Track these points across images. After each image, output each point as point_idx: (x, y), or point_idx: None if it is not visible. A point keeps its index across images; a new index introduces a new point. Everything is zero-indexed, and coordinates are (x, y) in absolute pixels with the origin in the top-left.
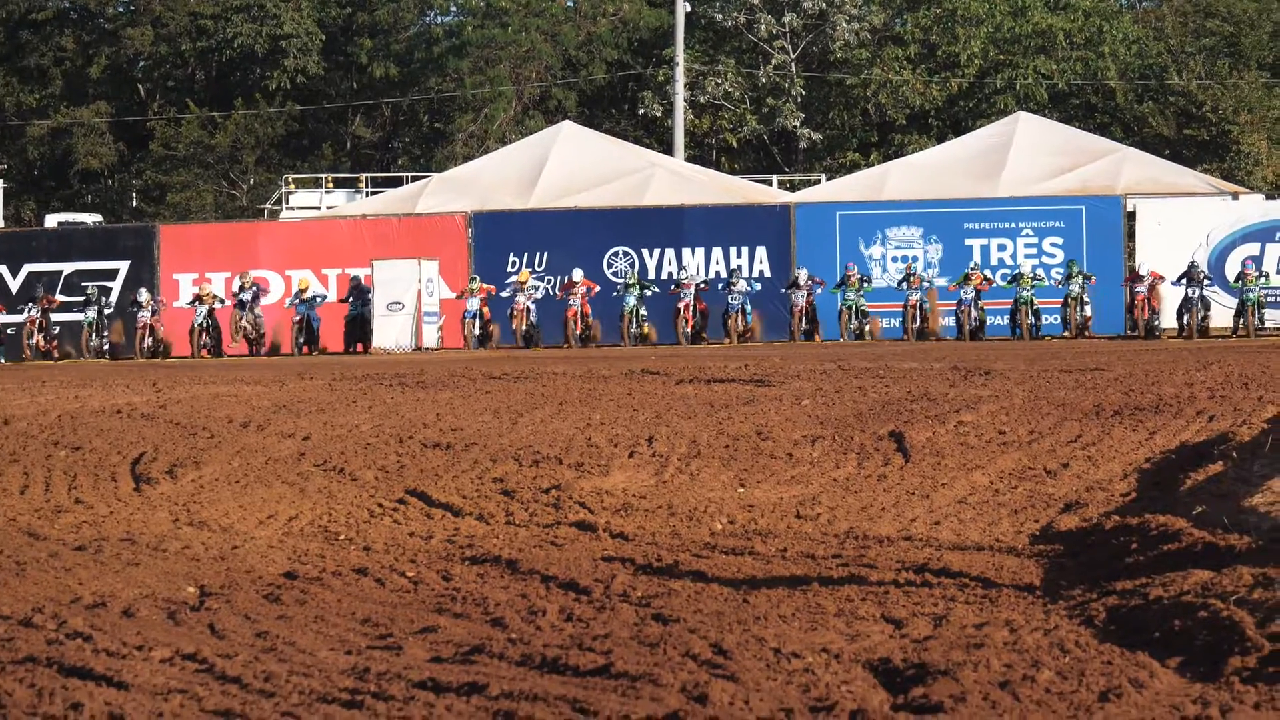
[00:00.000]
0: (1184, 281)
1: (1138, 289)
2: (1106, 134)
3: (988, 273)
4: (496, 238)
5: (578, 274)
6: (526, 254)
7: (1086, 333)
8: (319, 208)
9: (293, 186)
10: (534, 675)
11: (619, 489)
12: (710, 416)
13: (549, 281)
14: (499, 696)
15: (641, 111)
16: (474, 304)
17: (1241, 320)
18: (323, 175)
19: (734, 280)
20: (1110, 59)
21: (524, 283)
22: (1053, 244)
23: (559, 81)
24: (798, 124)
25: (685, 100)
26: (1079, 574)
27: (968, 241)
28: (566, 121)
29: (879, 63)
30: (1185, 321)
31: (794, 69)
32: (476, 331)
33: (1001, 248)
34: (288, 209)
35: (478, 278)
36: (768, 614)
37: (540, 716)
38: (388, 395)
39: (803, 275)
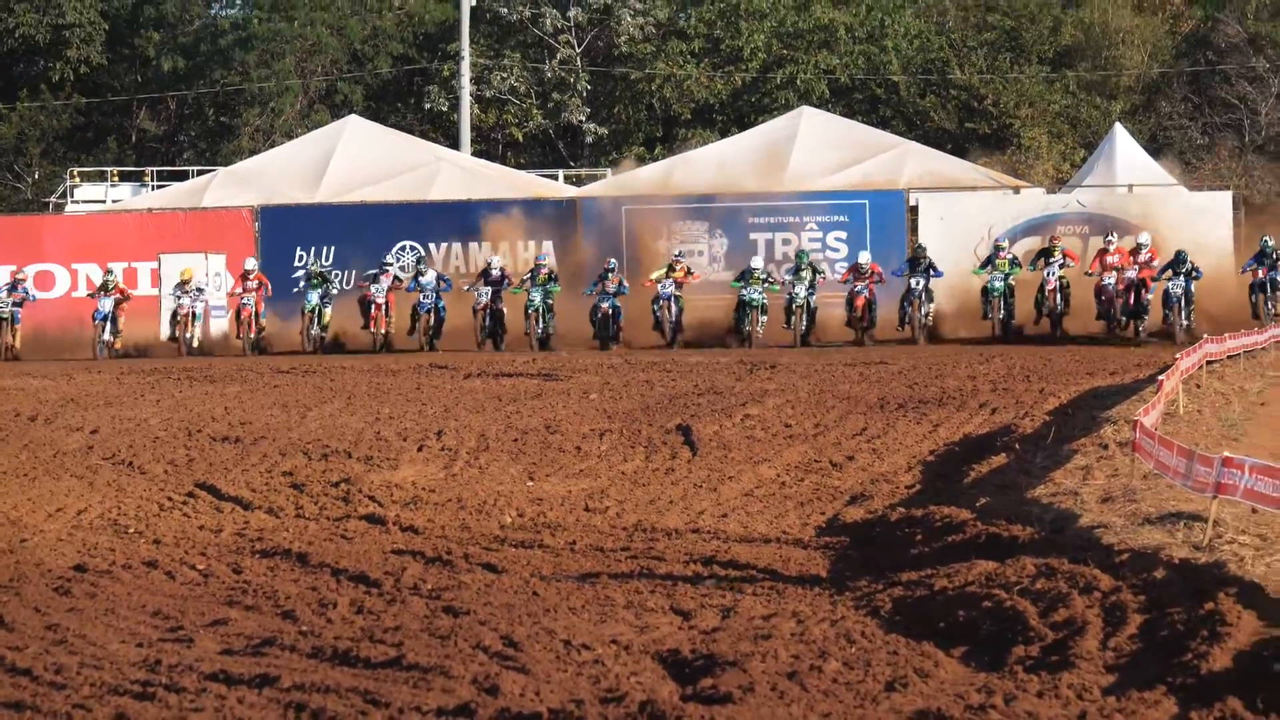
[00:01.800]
0: (906, 270)
1: (857, 287)
2: (889, 128)
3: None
4: (283, 232)
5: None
6: (314, 248)
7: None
8: (104, 201)
9: (78, 180)
10: (325, 667)
11: (408, 482)
12: (499, 410)
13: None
14: (291, 688)
15: (428, 106)
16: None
17: (987, 310)
18: (108, 169)
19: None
20: (893, 53)
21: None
22: (836, 238)
23: (345, 75)
24: (583, 119)
25: (471, 95)
26: (865, 565)
27: (752, 235)
28: (353, 116)
29: (663, 57)
30: (906, 314)
31: (579, 63)
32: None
33: (786, 242)
34: (73, 202)
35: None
36: (557, 606)
37: (332, 708)
38: (175, 389)
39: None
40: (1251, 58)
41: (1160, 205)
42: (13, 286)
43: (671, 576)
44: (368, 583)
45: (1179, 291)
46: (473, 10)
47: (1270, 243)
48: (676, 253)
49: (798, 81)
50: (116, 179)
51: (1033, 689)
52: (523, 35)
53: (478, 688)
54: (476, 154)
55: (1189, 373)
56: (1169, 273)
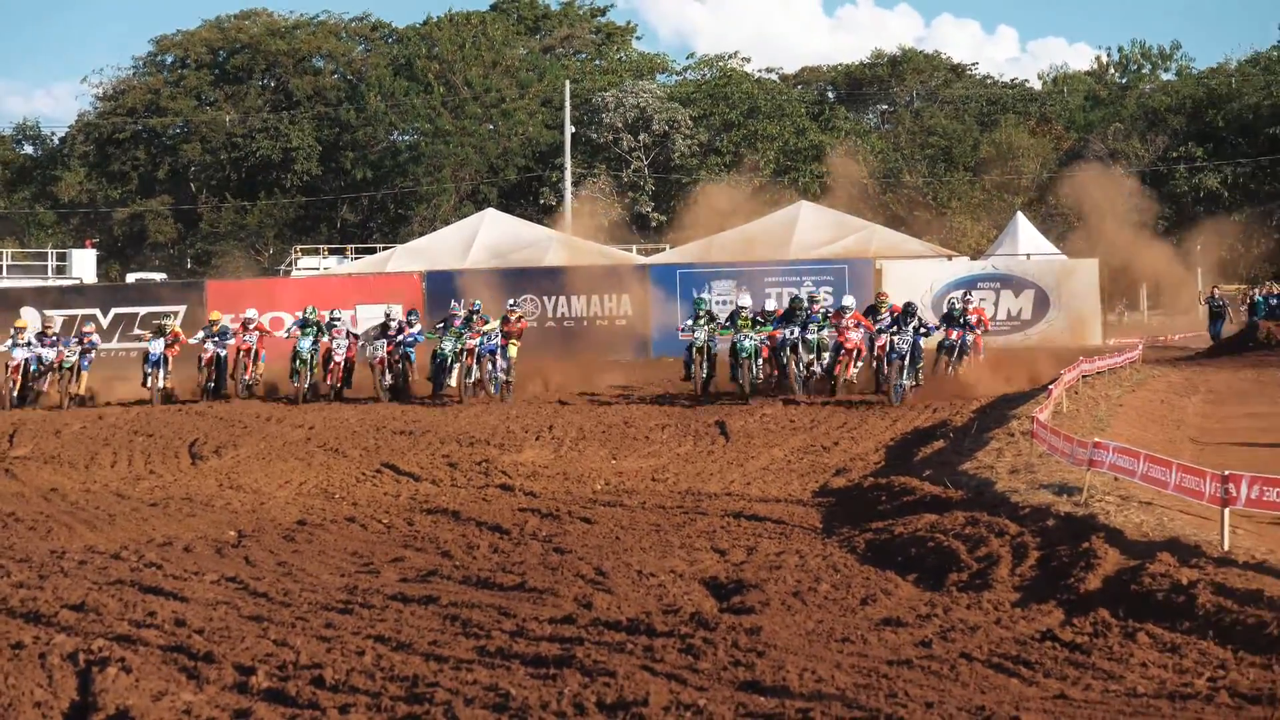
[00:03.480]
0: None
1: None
2: (862, 215)
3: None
4: (442, 289)
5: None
6: (463, 299)
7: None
8: (318, 268)
9: (299, 254)
10: (472, 590)
11: (529, 462)
12: (591, 412)
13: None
14: (448, 605)
15: (541, 201)
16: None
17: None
18: (320, 246)
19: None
20: (862, 163)
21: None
22: (825, 291)
23: (484, 181)
24: (649, 209)
25: (571, 193)
26: (846, 517)
27: (767, 289)
28: (490, 209)
29: (705, 167)
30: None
31: (646, 171)
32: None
33: (791, 294)
34: (297, 269)
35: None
36: (632, 547)
37: (476, 619)
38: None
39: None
40: (1110, 165)
41: (1047, 268)
42: (80, 339)
43: (712, 526)
44: (501, 531)
45: (905, 347)
46: (573, 136)
47: (959, 306)
48: (510, 303)
49: (799, 183)
50: (326, 254)
51: (963, 603)
52: (607, 152)
53: (577, 603)
54: (575, 234)
55: (1071, 384)
56: (895, 328)
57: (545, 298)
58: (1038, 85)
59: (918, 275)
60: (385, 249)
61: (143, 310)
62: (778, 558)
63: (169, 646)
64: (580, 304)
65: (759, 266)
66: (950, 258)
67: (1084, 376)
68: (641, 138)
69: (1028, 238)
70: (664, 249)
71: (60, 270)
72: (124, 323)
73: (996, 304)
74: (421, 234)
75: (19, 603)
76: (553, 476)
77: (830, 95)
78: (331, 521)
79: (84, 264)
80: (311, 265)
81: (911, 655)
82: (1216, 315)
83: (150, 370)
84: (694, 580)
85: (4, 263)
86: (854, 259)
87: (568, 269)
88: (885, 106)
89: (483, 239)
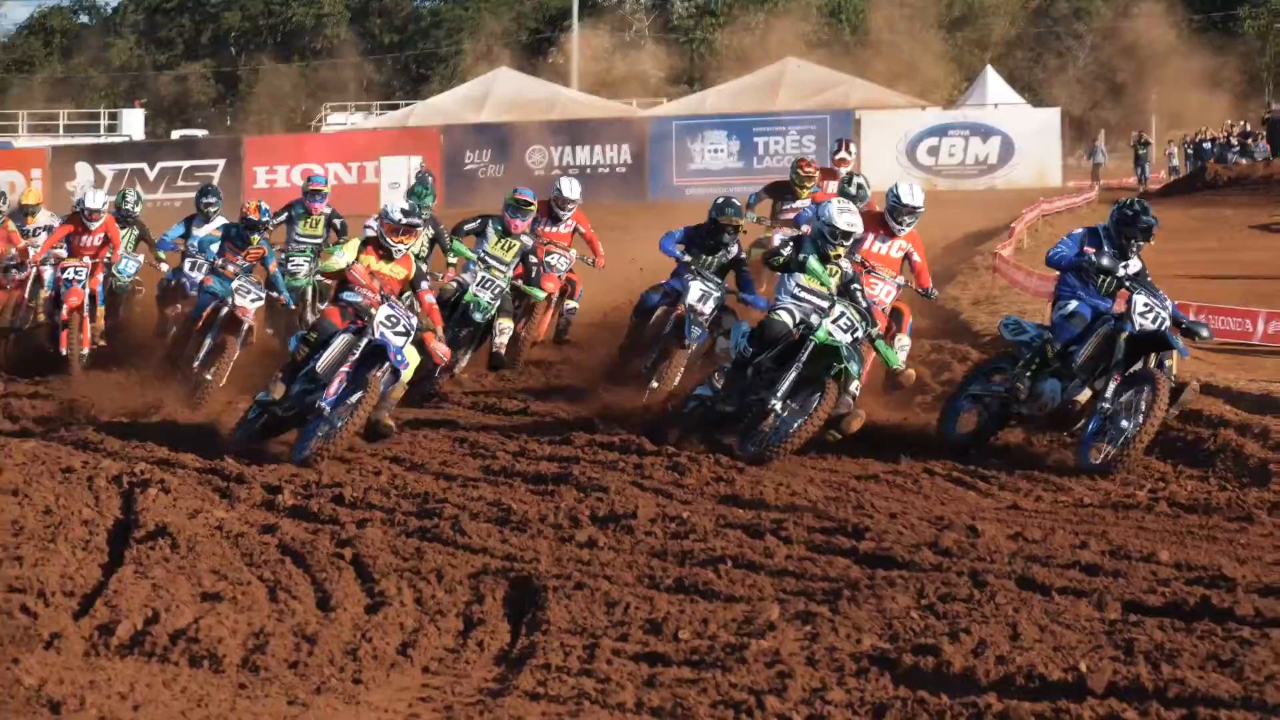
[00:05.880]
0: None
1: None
2: (843, 70)
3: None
4: (458, 143)
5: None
6: (477, 152)
7: None
8: (345, 124)
9: (329, 111)
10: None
11: None
12: None
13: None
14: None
15: (550, 61)
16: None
17: None
18: (348, 103)
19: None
20: (846, 24)
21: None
22: (808, 140)
23: (498, 42)
24: (650, 67)
25: (578, 54)
26: None
27: (755, 139)
28: (503, 67)
29: (700, 27)
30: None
31: (647, 31)
32: None
33: (776, 143)
34: (326, 125)
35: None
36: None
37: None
38: None
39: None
40: (1075, 22)
41: (1013, 117)
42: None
43: None
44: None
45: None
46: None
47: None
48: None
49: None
50: (353, 110)
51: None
52: (612, 14)
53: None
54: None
55: (1031, 222)
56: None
57: (552, 148)
58: None
59: (893, 125)
60: (407, 104)
61: (185, 164)
62: None
63: (205, 470)
64: (584, 153)
65: (748, 119)
66: (924, 108)
67: (1044, 215)
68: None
69: (996, 89)
70: (661, 103)
71: (111, 129)
72: (168, 175)
73: (965, 150)
74: (441, 92)
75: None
76: None
77: None
78: None
79: (133, 123)
80: (339, 121)
81: (879, 471)
82: (1141, 159)
83: None
84: None
85: (62, 122)
86: (835, 110)
87: (571, 122)
88: None
89: (496, 96)
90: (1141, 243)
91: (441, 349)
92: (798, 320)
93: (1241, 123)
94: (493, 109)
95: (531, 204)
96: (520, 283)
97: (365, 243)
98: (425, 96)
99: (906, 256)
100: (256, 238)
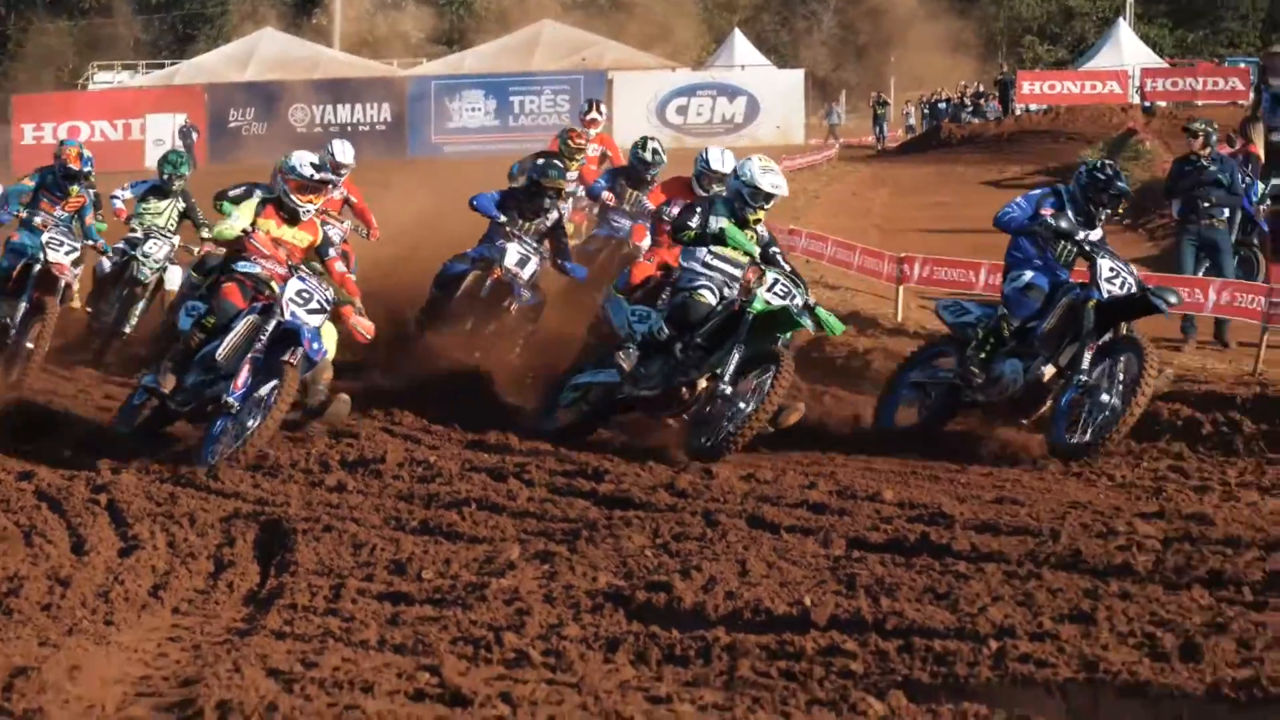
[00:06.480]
0: None
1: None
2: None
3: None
4: (223, 101)
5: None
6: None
7: None
8: (113, 83)
9: (96, 69)
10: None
11: None
12: None
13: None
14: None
15: (313, 21)
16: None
17: None
18: (115, 63)
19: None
20: None
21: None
22: (562, 99)
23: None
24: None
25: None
26: None
27: (511, 99)
28: (267, 28)
29: None
30: None
31: None
32: None
33: (532, 103)
34: (93, 83)
35: None
36: None
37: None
38: None
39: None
40: None
41: (758, 79)
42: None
43: None
44: None
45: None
46: None
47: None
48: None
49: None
50: (120, 69)
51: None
52: None
53: None
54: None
55: None
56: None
57: (314, 106)
58: None
59: (644, 86)
60: (173, 64)
61: None
62: None
63: None
64: (345, 111)
65: (506, 79)
66: (674, 69)
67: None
68: None
69: (744, 51)
70: (421, 63)
71: None
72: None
73: (713, 110)
74: (207, 51)
75: None
76: None
77: None
78: None
79: None
80: (106, 79)
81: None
82: (879, 118)
83: None
84: None
85: None
86: (590, 71)
87: (334, 81)
88: None
89: (261, 55)
90: (1108, 211)
91: (364, 323)
92: (720, 297)
93: (976, 84)
94: (257, 68)
95: None
96: None
97: (264, 203)
98: (191, 56)
99: None
100: (76, 188)
